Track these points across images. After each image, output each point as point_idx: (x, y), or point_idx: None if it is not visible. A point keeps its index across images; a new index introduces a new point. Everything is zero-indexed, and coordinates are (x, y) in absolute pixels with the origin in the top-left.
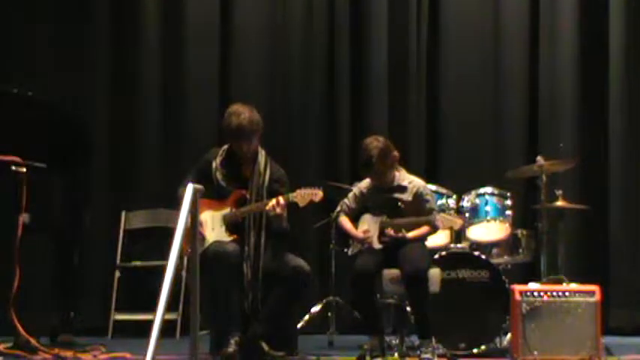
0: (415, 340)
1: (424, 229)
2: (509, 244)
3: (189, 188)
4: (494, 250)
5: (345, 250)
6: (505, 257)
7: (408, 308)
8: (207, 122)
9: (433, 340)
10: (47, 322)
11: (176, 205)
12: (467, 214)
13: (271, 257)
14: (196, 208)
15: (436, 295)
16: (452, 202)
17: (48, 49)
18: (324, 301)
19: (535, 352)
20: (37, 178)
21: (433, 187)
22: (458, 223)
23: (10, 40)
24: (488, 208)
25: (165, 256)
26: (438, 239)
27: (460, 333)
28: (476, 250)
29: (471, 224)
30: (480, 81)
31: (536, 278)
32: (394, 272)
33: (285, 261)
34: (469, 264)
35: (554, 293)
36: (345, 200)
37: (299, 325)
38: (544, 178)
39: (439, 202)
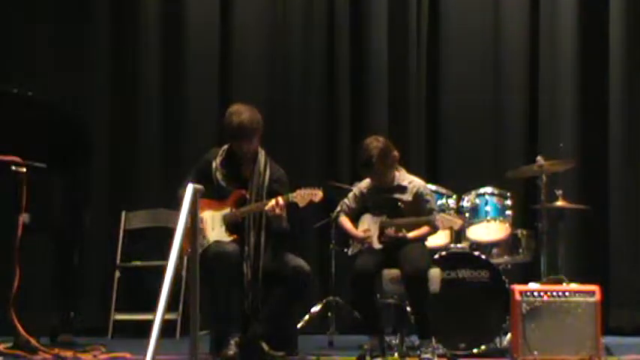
0: (415, 340)
1: (424, 229)
2: (509, 244)
3: (189, 188)
4: (494, 250)
5: (345, 250)
6: (505, 257)
7: (408, 308)
8: (207, 122)
9: (433, 340)
10: (47, 322)
11: (176, 205)
12: (467, 214)
13: (271, 257)
14: (196, 208)
15: (436, 295)
16: (452, 202)
17: (48, 49)
18: (324, 301)
19: (535, 352)
20: (37, 178)
21: (433, 187)
22: (458, 223)
23: (10, 40)
24: (488, 208)
25: (165, 256)
26: (438, 239)
27: (460, 333)
28: (476, 250)
29: (471, 224)
30: (479, 81)
31: (536, 278)
32: (394, 272)
33: (285, 261)
34: (469, 264)
35: (554, 293)
36: (345, 200)
37: (299, 325)
38: (544, 178)
39: (439, 202)
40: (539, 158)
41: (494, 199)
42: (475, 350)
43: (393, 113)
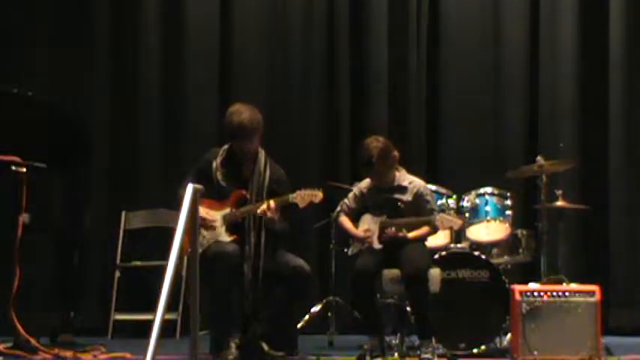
0: (415, 340)
1: (424, 229)
2: (509, 244)
3: (189, 188)
4: (494, 250)
5: (345, 250)
6: (505, 257)
7: (408, 308)
8: (207, 122)
9: (433, 340)
10: (47, 322)
11: (176, 205)
12: (467, 214)
13: (271, 257)
14: (196, 208)
15: (436, 295)
16: (452, 202)
17: (48, 49)
18: (324, 301)
19: (535, 352)
20: (37, 178)
21: (433, 187)
22: (458, 223)
23: (10, 40)
24: (488, 208)
25: (165, 256)
26: (438, 239)
27: (460, 333)
28: (476, 250)
29: (471, 224)
30: (479, 81)
31: (536, 278)
32: (394, 272)
33: (285, 261)
34: (469, 264)
35: (554, 293)
36: (345, 200)
37: (299, 325)
38: (544, 178)
39: (439, 202)
40: (539, 158)
41: (494, 199)
42: (475, 350)
43: (393, 113)
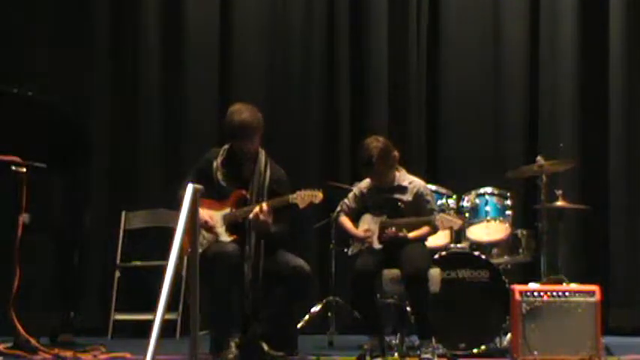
0: (415, 340)
1: (424, 229)
2: (509, 244)
3: (189, 188)
4: (494, 250)
5: (345, 250)
6: (505, 257)
7: (408, 308)
8: (207, 122)
9: (433, 340)
10: (47, 322)
11: (176, 205)
12: (467, 214)
13: (271, 257)
14: (196, 208)
15: (436, 295)
16: (452, 202)
17: (48, 49)
18: (324, 301)
19: (535, 352)
20: (37, 178)
21: (433, 187)
22: (458, 223)
23: (10, 40)
24: (488, 208)
25: (165, 256)
26: (438, 239)
27: (460, 333)
28: (476, 250)
29: (471, 224)
30: (479, 81)
31: (536, 278)
32: (394, 272)
33: (285, 261)
34: (469, 264)
35: (554, 293)
36: (345, 200)
37: (299, 325)
38: (544, 178)
39: (439, 202)
40: (539, 158)
41: (494, 199)
42: (475, 350)
43: (393, 113)
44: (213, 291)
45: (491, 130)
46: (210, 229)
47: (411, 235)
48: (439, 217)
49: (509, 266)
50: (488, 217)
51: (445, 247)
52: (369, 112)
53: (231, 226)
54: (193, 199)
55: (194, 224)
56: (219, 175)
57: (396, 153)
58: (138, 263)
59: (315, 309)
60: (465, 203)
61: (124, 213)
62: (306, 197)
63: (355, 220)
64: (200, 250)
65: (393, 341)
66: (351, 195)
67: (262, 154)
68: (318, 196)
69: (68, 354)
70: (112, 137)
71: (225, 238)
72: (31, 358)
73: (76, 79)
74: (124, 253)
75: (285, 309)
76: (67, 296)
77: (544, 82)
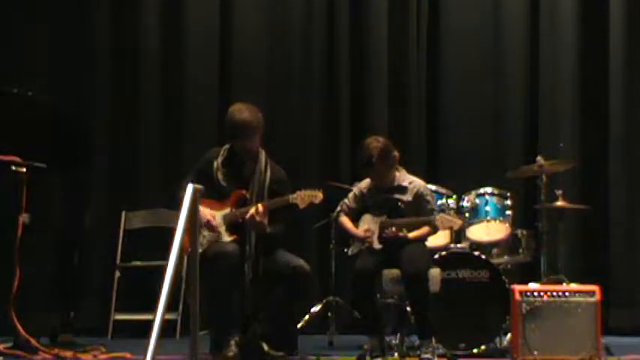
0: (415, 340)
1: (424, 229)
2: (509, 244)
3: (189, 188)
4: (494, 250)
5: (345, 250)
6: (505, 257)
7: (408, 308)
8: (207, 122)
9: (433, 340)
10: (47, 322)
11: (176, 205)
12: (467, 214)
13: (271, 257)
14: (196, 208)
15: (436, 295)
16: (452, 202)
17: (48, 49)
18: (324, 301)
19: (535, 352)
20: (37, 178)
21: (433, 187)
22: (458, 223)
23: (10, 40)
24: (488, 208)
25: (165, 256)
26: (438, 239)
27: (460, 333)
28: (476, 250)
29: (470, 224)
30: (479, 81)
31: (536, 278)
32: (394, 272)
33: (285, 261)
34: (469, 264)
35: (554, 293)
36: (345, 200)
37: (299, 325)
38: (544, 178)
39: (439, 202)
40: (539, 158)
41: (494, 199)
42: (475, 350)
43: (393, 113)
44: (213, 291)
45: (491, 130)
46: (212, 228)
47: (411, 235)
48: (439, 217)
49: (509, 266)
50: (489, 217)
51: (445, 247)
52: (369, 112)
53: (231, 226)
54: (193, 199)
55: (194, 224)
56: (220, 175)
57: (396, 153)
58: (138, 263)
59: (315, 309)
60: (465, 203)
61: (124, 213)
62: (306, 197)
63: (355, 220)
64: (200, 250)
65: (393, 341)
66: (351, 195)
67: (263, 155)
68: (318, 196)
69: (68, 354)
70: (112, 137)
71: (226, 238)
72: (31, 358)
73: (76, 79)
74: (124, 253)
75: (285, 309)
76: (67, 296)
77: (544, 83)
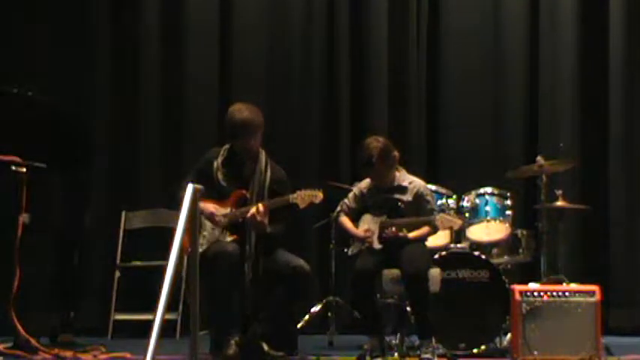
0: (415, 340)
1: (424, 229)
2: (509, 244)
3: (189, 188)
4: (494, 250)
5: (345, 250)
6: (505, 257)
7: (408, 308)
8: (207, 122)
9: (433, 340)
10: (47, 322)
11: (176, 205)
12: (467, 214)
13: (271, 257)
14: (196, 208)
15: (436, 295)
16: (452, 202)
17: (48, 49)
18: (324, 301)
19: (535, 352)
20: (37, 178)
21: (433, 187)
22: (458, 223)
23: (10, 40)
24: (488, 208)
25: (165, 256)
26: (438, 239)
27: (460, 333)
28: (476, 250)
29: (471, 224)
30: (480, 81)
31: (536, 278)
32: (394, 272)
33: (285, 261)
34: (469, 264)
35: (554, 293)
36: (345, 200)
37: (299, 325)
38: (544, 178)
39: (439, 202)
40: (539, 158)
41: (494, 199)
42: (475, 350)
43: (393, 113)
44: (213, 291)
45: (491, 130)
46: (215, 222)
47: (411, 235)
48: (439, 217)
49: (509, 266)
50: (489, 217)
51: (445, 247)
52: (369, 112)
53: (232, 226)
54: (193, 199)
55: (194, 224)
56: (220, 175)
57: (396, 153)
58: (138, 263)
59: (315, 309)
60: (465, 203)
61: (124, 213)
62: (306, 197)
63: (355, 220)
64: (200, 250)
65: (393, 341)
66: (351, 195)
67: (263, 155)
68: (318, 196)
69: (68, 354)
70: (112, 137)
71: (225, 237)
72: (31, 358)
73: (76, 79)
74: (124, 253)
75: (285, 309)
76: (67, 296)
77: (544, 83)
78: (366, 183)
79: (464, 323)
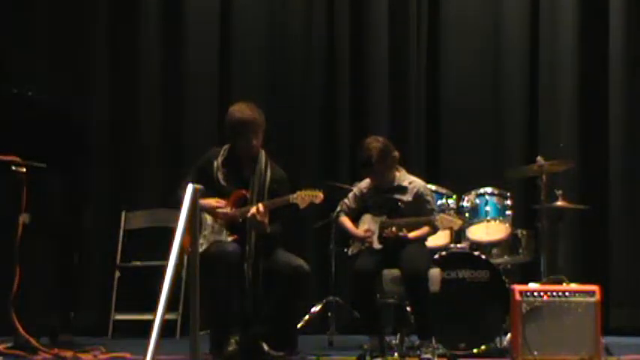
0: (415, 340)
1: (424, 229)
2: (509, 244)
3: (189, 188)
4: (494, 250)
5: (345, 250)
6: (505, 257)
7: (408, 308)
8: (207, 122)
9: (433, 340)
10: (47, 322)
11: (176, 205)
12: (467, 214)
13: (271, 257)
14: (196, 208)
15: (436, 295)
16: (452, 202)
17: (48, 49)
18: (324, 301)
19: (535, 352)
20: (37, 178)
21: (433, 187)
22: (458, 223)
23: (10, 40)
24: (488, 208)
25: (165, 256)
26: (438, 239)
27: (460, 333)
28: (476, 250)
29: (471, 224)
30: (479, 81)
31: (536, 278)
32: (394, 272)
33: (285, 261)
34: (469, 264)
35: (554, 293)
36: (345, 200)
37: (299, 325)
38: (544, 178)
39: (439, 202)
40: (539, 158)
41: (494, 199)
42: (475, 350)
43: (393, 113)
44: (213, 291)
45: (491, 130)
46: (217, 215)
47: (411, 235)
48: (439, 217)
49: (509, 266)
50: (489, 217)
51: (445, 247)
52: (369, 112)
53: (232, 226)
54: (193, 199)
55: (194, 224)
56: (220, 175)
57: (396, 153)
58: (138, 263)
59: (315, 309)
60: (465, 203)
61: (124, 213)
62: (306, 197)
63: (355, 220)
64: (200, 250)
65: (393, 341)
66: (351, 195)
67: (263, 155)
68: (318, 196)
69: (68, 354)
70: (112, 137)
71: (225, 238)
72: (31, 358)
73: (76, 79)
74: (124, 253)
75: (285, 309)
76: (67, 296)
77: (544, 82)
78: (366, 183)
79: (464, 323)
